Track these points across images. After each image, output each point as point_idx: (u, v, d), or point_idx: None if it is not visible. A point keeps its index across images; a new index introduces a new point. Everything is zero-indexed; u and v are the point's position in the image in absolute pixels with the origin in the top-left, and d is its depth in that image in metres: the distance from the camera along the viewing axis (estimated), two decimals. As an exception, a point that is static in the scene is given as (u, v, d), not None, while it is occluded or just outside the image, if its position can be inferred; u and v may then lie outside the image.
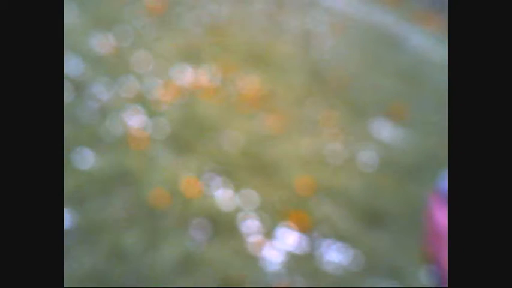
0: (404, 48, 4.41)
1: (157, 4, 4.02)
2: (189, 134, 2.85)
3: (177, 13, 4.05)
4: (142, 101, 2.99)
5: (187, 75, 3.33)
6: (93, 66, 3.17)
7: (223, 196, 2.49)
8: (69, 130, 2.64)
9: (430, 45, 4.68)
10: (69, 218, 2.18)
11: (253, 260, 2.25)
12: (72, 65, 3.12)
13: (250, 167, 2.72)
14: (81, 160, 2.47)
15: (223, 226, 2.36)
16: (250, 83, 3.40)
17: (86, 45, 3.36)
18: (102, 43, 3.40)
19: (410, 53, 4.39)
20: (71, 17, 3.60)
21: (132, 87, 3.07)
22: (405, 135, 3.33)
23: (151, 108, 2.94)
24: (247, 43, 3.89)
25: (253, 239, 2.33)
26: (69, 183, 2.33)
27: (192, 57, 3.55)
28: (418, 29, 5.03)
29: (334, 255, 2.37)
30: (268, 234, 2.37)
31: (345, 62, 3.96)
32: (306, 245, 2.38)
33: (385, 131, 3.33)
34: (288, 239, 2.36)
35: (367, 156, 3.03)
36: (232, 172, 2.65)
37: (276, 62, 3.77)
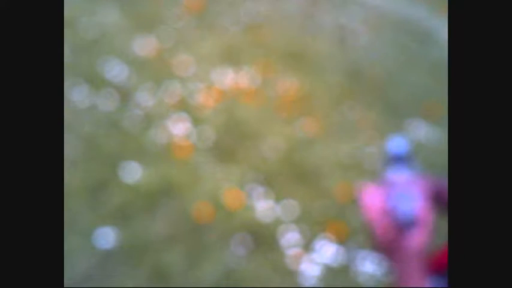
0: (437, 42, 4.29)
1: (195, 2, 3.97)
2: (230, 141, 2.82)
3: (216, 11, 3.99)
4: (185, 107, 2.97)
5: (228, 78, 3.29)
6: (137, 71, 3.15)
7: (264, 207, 2.47)
8: (115, 142, 2.63)
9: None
10: (113, 237, 2.18)
11: (291, 275, 2.23)
12: (116, 71, 3.10)
13: (290, 175, 2.69)
14: (128, 174, 2.46)
15: (264, 239, 2.34)
16: (288, 84, 3.35)
17: (128, 49, 3.34)
18: (144, 46, 3.37)
19: (443, 47, 4.27)
20: (113, 19, 3.57)
21: (175, 93, 3.04)
22: (440, 134, 3.26)
23: (194, 115, 2.92)
24: (285, 41, 3.82)
25: (292, 252, 2.31)
26: (116, 200, 2.33)
27: (232, 58, 3.51)
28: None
29: (369, 267, 2.34)
30: (307, 246, 2.35)
31: (380, 60, 3.87)
32: (343, 257, 2.35)
33: (420, 130, 3.26)
34: (326, 251, 2.34)
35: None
36: (273, 181, 2.62)
37: (313, 60, 3.70)
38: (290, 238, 2.36)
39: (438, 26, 4.53)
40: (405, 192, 1.06)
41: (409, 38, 4.20)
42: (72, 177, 2.40)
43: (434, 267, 1.07)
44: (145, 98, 2.95)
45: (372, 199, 1.03)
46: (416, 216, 1.02)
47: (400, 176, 1.08)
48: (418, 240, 0.98)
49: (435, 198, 1.19)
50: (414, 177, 1.09)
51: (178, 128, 2.80)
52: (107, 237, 2.17)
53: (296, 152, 2.84)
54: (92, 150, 2.55)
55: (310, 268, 2.26)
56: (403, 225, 1.02)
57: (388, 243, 1.00)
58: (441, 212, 1.17)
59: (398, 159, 1.10)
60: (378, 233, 1.01)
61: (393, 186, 1.07)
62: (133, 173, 2.47)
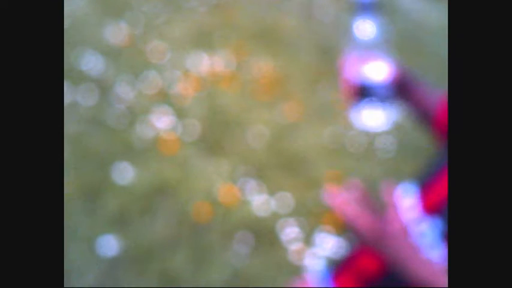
0: (400, 13, 4.24)
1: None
2: (215, 132, 2.73)
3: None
4: (166, 98, 2.85)
5: (203, 63, 3.18)
6: (113, 61, 3.01)
7: (259, 201, 2.40)
8: (102, 140, 2.51)
9: (422, 7, 4.51)
10: (115, 244, 2.08)
11: (296, 271, 2.18)
12: (92, 63, 2.95)
13: (279, 165, 2.62)
14: (120, 175, 2.35)
15: (264, 235, 2.27)
16: (263, 65, 3.25)
17: (101, 37, 3.19)
18: (115, 33, 3.22)
19: (406, 18, 4.23)
20: (81, 6, 3.40)
21: (153, 83, 2.92)
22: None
23: (176, 106, 2.80)
24: (254, 20, 3.72)
25: (294, 247, 2.25)
26: (113, 204, 2.22)
27: (204, 41, 3.39)
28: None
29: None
30: (307, 240, 2.29)
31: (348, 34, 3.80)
32: (344, 248, 2.30)
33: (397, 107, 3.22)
34: (327, 244, 2.29)
35: (384, 141, 2.93)
36: (263, 173, 2.55)
37: (284, 39, 3.61)
38: (289, 232, 2.30)
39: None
40: (371, 59, 1.04)
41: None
42: (64, 182, 2.27)
43: (429, 209, 1.03)
44: (125, 91, 2.82)
45: (342, 201, 0.99)
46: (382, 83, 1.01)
47: (368, 33, 1.04)
48: (397, 221, 0.95)
49: (399, 86, 1.14)
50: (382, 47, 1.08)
51: (163, 121, 2.69)
52: (109, 244, 2.07)
53: (281, 139, 2.77)
54: (79, 151, 2.43)
55: (314, 262, 2.21)
56: (363, 91, 1.03)
57: (373, 236, 0.95)
58: (403, 102, 1.14)
59: (365, 8, 1.05)
60: (360, 230, 0.96)
61: (360, 51, 1.05)
62: (124, 173, 2.36)
